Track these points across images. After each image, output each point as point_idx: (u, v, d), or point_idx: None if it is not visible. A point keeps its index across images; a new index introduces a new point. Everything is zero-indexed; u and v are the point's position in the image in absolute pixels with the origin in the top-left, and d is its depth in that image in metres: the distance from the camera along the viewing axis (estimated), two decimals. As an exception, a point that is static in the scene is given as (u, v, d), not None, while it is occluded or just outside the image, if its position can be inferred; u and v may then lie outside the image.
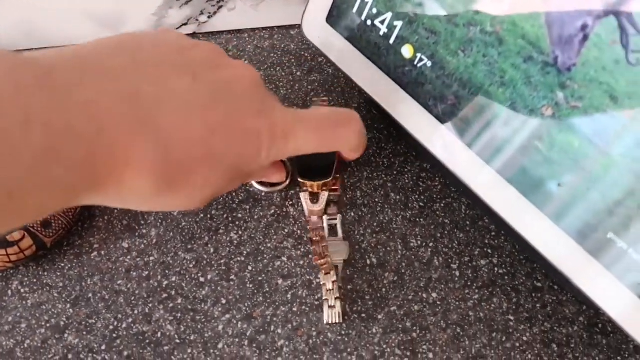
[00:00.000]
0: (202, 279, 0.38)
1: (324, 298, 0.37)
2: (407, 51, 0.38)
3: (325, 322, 0.36)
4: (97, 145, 0.23)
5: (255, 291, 0.38)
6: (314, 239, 0.38)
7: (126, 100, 0.25)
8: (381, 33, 0.39)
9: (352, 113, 0.37)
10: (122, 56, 0.27)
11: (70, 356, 0.35)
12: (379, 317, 0.37)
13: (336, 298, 0.36)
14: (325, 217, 0.40)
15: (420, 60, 0.38)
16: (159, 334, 0.36)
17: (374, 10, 0.39)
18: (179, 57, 0.29)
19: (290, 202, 0.41)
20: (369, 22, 0.39)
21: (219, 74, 0.30)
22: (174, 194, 0.28)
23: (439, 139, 0.38)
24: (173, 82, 0.27)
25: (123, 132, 0.24)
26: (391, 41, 0.39)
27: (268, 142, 0.31)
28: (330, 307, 0.36)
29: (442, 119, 0.37)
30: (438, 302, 0.38)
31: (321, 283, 0.37)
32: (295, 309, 0.37)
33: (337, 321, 0.36)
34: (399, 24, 0.38)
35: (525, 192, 0.34)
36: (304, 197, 0.40)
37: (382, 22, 0.39)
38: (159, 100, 0.26)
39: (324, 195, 0.40)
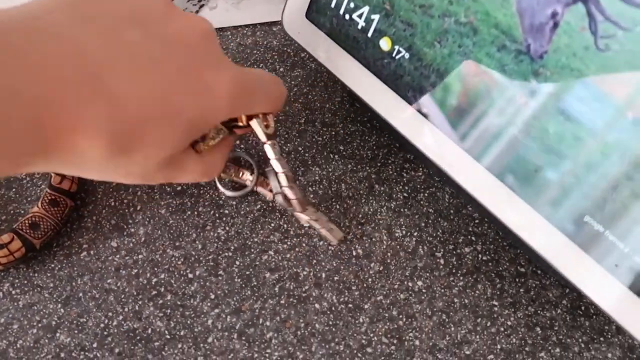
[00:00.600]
0: (190, 275, 0.39)
1: (319, 229, 0.38)
2: (385, 44, 0.39)
3: (336, 243, 0.39)
4: (44, 110, 0.23)
5: (243, 285, 0.38)
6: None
7: (72, 61, 0.24)
8: (359, 27, 0.40)
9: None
10: (67, 13, 0.25)
11: (62, 355, 0.35)
12: (366, 306, 0.38)
13: (327, 220, 0.38)
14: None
15: (398, 52, 0.38)
16: (149, 330, 0.36)
17: (352, 5, 0.39)
18: (126, 9, 0.27)
19: (276, 197, 0.42)
20: (347, 16, 0.40)
21: (171, 26, 0.28)
22: (129, 157, 0.26)
23: (419, 130, 0.38)
24: (122, 36, 0.26)
25: (70, 94, 0.23)
26: (369, 34, 0.39)
27: (229, 96, 0.29)
28: (329, 230, 0.38)
29: (421, 109, 0.38)
30: (423, 290, 0.39)
31: (306, 222, 0.38)
32: (283, 302, 0.38)
33: (344, 235, 0.40)
34: (376, 17, 0.38)
35: (503, 178, 0.35)
36: (259, 124, 0.33)
37: (360, 16, 0.39)
38: (107, 56, 0.25)
39: (270, 116, 0.34)
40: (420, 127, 0.38)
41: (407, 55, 0.38)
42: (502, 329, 0.37)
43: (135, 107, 0.25)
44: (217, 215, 0.41)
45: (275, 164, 0.34)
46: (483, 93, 0.35)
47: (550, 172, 0.33)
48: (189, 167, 0.31)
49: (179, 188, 0.42)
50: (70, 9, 0.26)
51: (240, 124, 0.33)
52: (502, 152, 0.35)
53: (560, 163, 0.32)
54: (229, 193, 0.41)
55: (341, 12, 0.40)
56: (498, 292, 0.39)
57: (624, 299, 0.33)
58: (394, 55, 0.38)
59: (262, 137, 0.33)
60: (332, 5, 0.40)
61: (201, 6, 0.51)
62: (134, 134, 0.26)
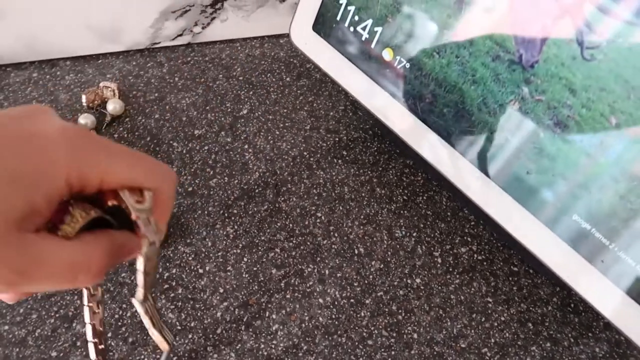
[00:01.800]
0: (200, 270, 0.41)
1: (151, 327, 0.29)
2: (387, 54, 0.41)
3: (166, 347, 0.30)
4: None
5: (251, 280, 0.40)
6: None
7: None
8: (363, 38, 0.42)
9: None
10: None
11: (78, 343, 0.37)
12: (367, 301, 0.40)
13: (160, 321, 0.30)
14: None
15: (400, 62, 0.41)
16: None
17: (356, 18, 0.42)
18: None
19: (282, 198, 0.44)
20: (351, 29, 0.43)
21: None
22: None
23: (419, 136, 0.41)
24: None
25: None
26: (372, 45, 0.42)
27: (64, 142, 0.23)
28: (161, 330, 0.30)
29: (421, 116, 0.40)
30: (421, 287, 0.41)
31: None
32: (288, 296, 0.40)
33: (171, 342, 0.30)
34: (379, 29, 0.41)
35: (499, 181, 0.37)
36: (125, 195, 0.24)
37: (364, 28, 0.42)
38: None
39: (148, 193, 0.25)
40: (423, 135, 0.40)
41: (408, 65, 0.40)
42: (496, 324, 0.39)
43: None
44: (226, 214, 0.43)
45: (144, 248, 0.25)
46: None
47: (539, 173, 0.35)
48: (50, 257, 0.22)
49: (190, 189, 0.44)
50: None
51: (109, 203, 0.24)
52: (496, 156, 0.37)
53: (547, 165, 0.35)
54: None
55: (346, 24, 0.43)
56: (492, 290, 0.41)
57: (610, 293, 0.35)
58: (395, 65, 0.41)
59: (132, 211, 0.24)
60: (338, 18, 0.43)
61: (213, 19, 0.54)
62: None
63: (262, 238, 0.42)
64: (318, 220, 0.43)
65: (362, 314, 0.39)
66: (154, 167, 0.26)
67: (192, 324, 0.38)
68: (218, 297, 0.40)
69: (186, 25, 0.54)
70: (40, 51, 0.53)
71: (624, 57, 0.31)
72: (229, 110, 0.50)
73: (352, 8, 0.42)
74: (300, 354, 0.37)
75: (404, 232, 0.43)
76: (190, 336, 0.38)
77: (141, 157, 0.26)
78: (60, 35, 0.52)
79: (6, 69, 0.52)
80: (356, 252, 0.42)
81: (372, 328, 0.39)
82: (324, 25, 0.44)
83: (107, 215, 0.24)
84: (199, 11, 0.53)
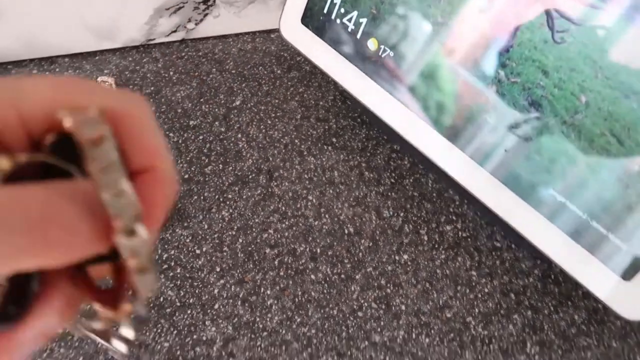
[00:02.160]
0: (197, 251, 0.43)
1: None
2: (372, 44, 0.43)
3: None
4: None
5: (246, 259, 0.42)
6: None
7: None
8: (349, 29, 0.44)
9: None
10: None
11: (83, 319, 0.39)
12: (357, 277, 0.42)
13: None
14: None
15: (384, 51, 0.43)
16: (162, 299, 0.40)
17: (342, 10, 0.44)
18: None
19: (275, 183, 0.46)
20: (338, 21, 0.45)
21: None
22: None
23: (405, 122, 0.43)
24: None
25: None
26: (358, 36, 0.44)
27: None
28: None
29: (406, 103, 0.42)
30: (409, 263, 0.43)
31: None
32: (282, 273, 0.42)
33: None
34: (364, 20, 0.43)
35: (480, 160, 0.39)
36: (66, 112, 0.17)
37: (350, 20, 0.44)
38: None
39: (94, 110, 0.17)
40: (405, 117, 0.43)
41: (392, 54, 0.43)
42: (479, 295, 0.41)
43: None
44: (221, 199, 0.45)
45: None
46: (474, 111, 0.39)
47: (515, 150, 0.38)
48: None
49: (186, 176, 0.46)
50: None
51: (48, 141, 0.17)
52: (477, 137, 0.39)
53: (520, 143, 0.37)
54: None
55: (333, 16, 0.45)
56: (476, 264, 0.43)
57: (579, 256, 0.37)
58: (380, 54, 0.43)
59: (69, 123, 0.16)
60: (325, 11, 0.45)
61: (205, 15, 0.56)
62: None
63: (256, 220, 0.44)
64: (309, 203, 0.45)
65: (353, 289, 0.41)
66: (99, 86, 0.19)
67: (191, 300, 0.40)
68: (215, 276, 0.42)
69: (180, 22, 0.56)
70: (39, 49, 0.55)
71: (591, 38, 0.34)
72: (223, 101, 0.52)
73: (338, 1, 0.44)
74: (294, 326, 0.39)
75: (391, 213, 0.45)
76: (189, 311, 0.40)
77: (75, 78, 0.19)
78: (58, 34, 0.54)
79: (7, 66, 0.54)
80: (346, 231, 0.44)
81: (362, 301, 0.41)
82: (312, 18, 0.47)
83: (57, 162, 0.17)
84: (192, 8, 0.55)
